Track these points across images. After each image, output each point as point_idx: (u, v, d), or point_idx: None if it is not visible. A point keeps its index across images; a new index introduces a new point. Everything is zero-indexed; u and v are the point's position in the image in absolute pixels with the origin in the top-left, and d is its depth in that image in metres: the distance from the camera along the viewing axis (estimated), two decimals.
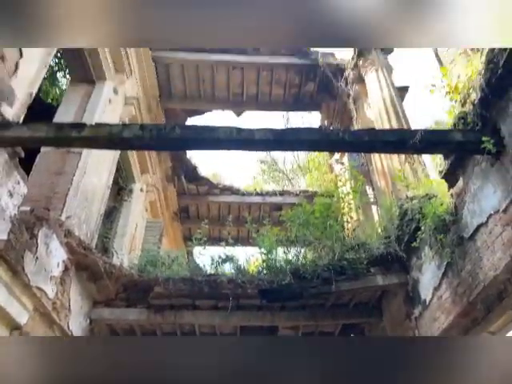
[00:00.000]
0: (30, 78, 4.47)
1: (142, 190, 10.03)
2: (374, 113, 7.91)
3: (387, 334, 6.06)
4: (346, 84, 9.43)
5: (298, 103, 11.39)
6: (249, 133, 4.00)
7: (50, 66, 5.91)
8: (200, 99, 11.14)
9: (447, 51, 5.10)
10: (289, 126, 12.81)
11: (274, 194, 12.70)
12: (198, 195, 12.76)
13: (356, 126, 9.07)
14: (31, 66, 4.54)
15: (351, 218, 7.91)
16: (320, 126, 11.45)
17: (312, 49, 10.48)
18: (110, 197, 7.87)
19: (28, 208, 4.52)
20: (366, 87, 8.57)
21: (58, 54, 8.66)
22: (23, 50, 4.40)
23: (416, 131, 3.73)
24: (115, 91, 7.71)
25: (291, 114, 16.31)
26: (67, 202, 5.76)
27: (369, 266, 5.66)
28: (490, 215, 3.72)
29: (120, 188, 9.41)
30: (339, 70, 9.81)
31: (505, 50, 3.55)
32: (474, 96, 4.05)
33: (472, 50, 4.49)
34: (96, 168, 6.82)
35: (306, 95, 11.12)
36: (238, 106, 11.42)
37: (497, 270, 3.60)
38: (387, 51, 8.72)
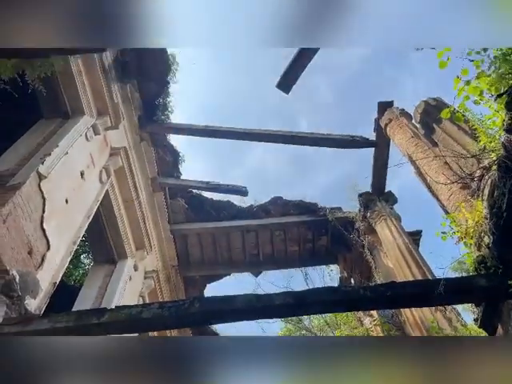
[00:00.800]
0: (55, 268, 4.69)
1: None
2: (392, 261, 7.87)
3: None
4: (359, 235, 9.64)
5: (314, 258, 11.48)
6: (268, 298, 3.95)
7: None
8: (217, 264, 11.34)
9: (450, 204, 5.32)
10: (309, 284, 12.65)
11: None
12: None
13: (376, 275, 8.93)
14: (57, 257, 4.80)
15: None
16: (340, 278, 11.29)
17: (319, 205, 11.10)
18: None
19: None
20: (379, 236, 8.73)
21: (83, 238, 9.24)
22: (50, 240, 4.71)
23: (439, 280, 3.65)
24: (135, 268, 7.95)
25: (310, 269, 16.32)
26: None
27: None
28: None
29: None
30: (348, 222, 10.16)
31: (503, 193, 3.72)
32: (487, 239, 4.08)
33: (472, 196, 4.70)
34: None
35: (321, 249, 11.29)
36: (256, 266, 11.54)
37: None
38: (391, 202, 9.15)
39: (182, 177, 10.48)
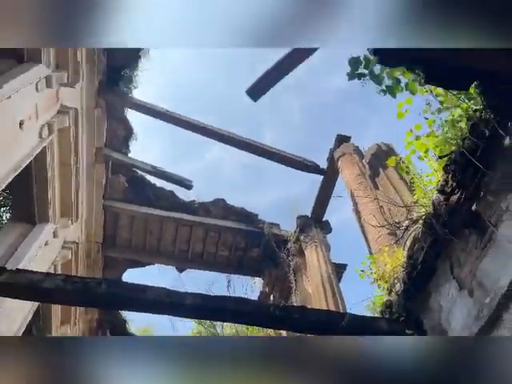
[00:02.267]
0: None
1: None
2: (312, 287, 8.07)
3: None
4: (288, 255, 9.81)
5: (241, 267, 11.51)
6: (179, 296, 3.89)
7: None
8: (144, 251, 11.03)
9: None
10: (230, 292, 12.66)
11: None
12: None
13: (294, 298, 9.11)
14: None
15: None
16: (261, 292, 11.40)
17: (259, 217, 11.19)
18: None
19: None
20: (306, 261, 8.94)
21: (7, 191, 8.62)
22: None
23: (345, 314, 3.78)
24: (55, 234, 7.52)
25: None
26: None
27: None
28: None
29: None
30: (282, 240, 10.32)
31: (422, 248, 3.94)
32: (398, 287, 4.29)
33: (396, 243, 4.95)
34: (8, 314, 6.12)
35: (250, 260, 11.34)
36: (183, 262, 11.36)
37: None
38: (325, 231, 9.44)
39: (131, 155, 10.15)
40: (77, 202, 8.15)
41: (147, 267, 12.23)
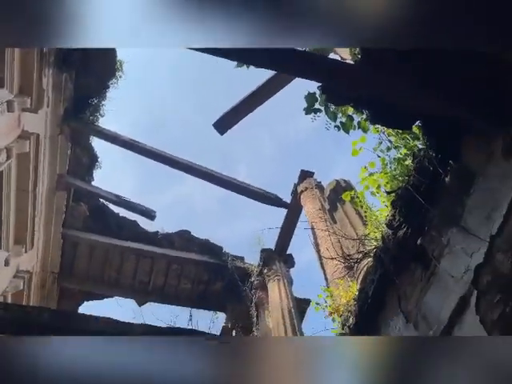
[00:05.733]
0: None
1: None
2: (273, 322, 7.97)
3: None
4: (251, 289, 9.70)
5: (204, 301, 11.25)
6: (128, 327, 3.77)
7: None
8: (102, 283, 10.64)
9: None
10: (193, 326, 12.31)
11: None
12: None
13: (256, 333, 8.94)
14: None
15: None
16: (223, 327, 11.13)
17: (224, 250, 11.11)
18: None
19: None
20: (268, 295, 8.86)
21: None
22: None
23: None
24: (6, 262, 7.19)
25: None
26: None
27: None
28: None
29: None
30: (246, 274, 10.23)
31: (372, 281, 4.02)
32: (351, 321, 4.32)
33: (350, 275, 5.02)
34: None
35: (213, 294, 11.12)
36: (142, 295, 11.00)
37: None
38: (289, 265, 9.45)
39: (94, 184, 9.99)
40: (33, 229, 7.87)
41: (106, 300, 11.79)
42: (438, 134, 3.20)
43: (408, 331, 3.48)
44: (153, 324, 3.84)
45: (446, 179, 3.39)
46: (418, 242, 3.54)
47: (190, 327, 10.87)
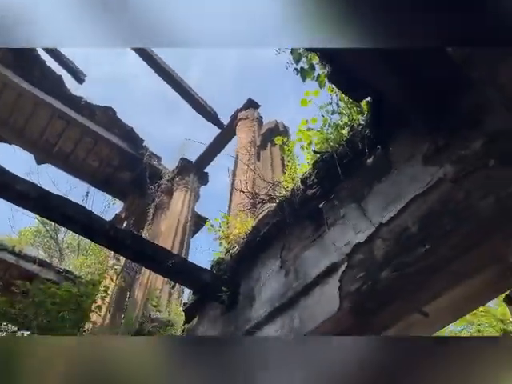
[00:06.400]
0: None
1: None
2: (165, 227, 8.15)
3: None
4: (157, 190, 9.70)
5: (106, 184, 11.05)
6: (11, 178, 3.57)
7: None
8: (5, 127, 9.82)
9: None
10: (88, 204, 12.09)
11: (33, 260, 11.08)
12: None
13: (146, 232, 9.11)
14: None
15: (99, 315, 7.41)
16: (116, 215, 11.14)
17: (144, 144, 10.79)
18: None
19: None
20: (171, 202, 8.96)
21: None
22: None
23: (172, 256, 3.90)
24: None
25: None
26: None
27: None
28: None
29: None
30: (158, 174, 10.15)
31: (267, 223, 4.23)
32: (235, 251, 4.57)
33: (252, 214, 5.23)
34: None
35: (118, 181, 10.94)
36: (45, 155, 10.43)
37: None
38: (202, 182, 9.54)
39: None
40: None
41: (4, 145, 10.96)
42: (380, 117, 3.29)
43: (278, 276, 3.79)
44: (45, 188, 3.67)
45: (368, 160, 3.56)
46: (320, 205, 3.76)
47: (83, 204, 10.68)
